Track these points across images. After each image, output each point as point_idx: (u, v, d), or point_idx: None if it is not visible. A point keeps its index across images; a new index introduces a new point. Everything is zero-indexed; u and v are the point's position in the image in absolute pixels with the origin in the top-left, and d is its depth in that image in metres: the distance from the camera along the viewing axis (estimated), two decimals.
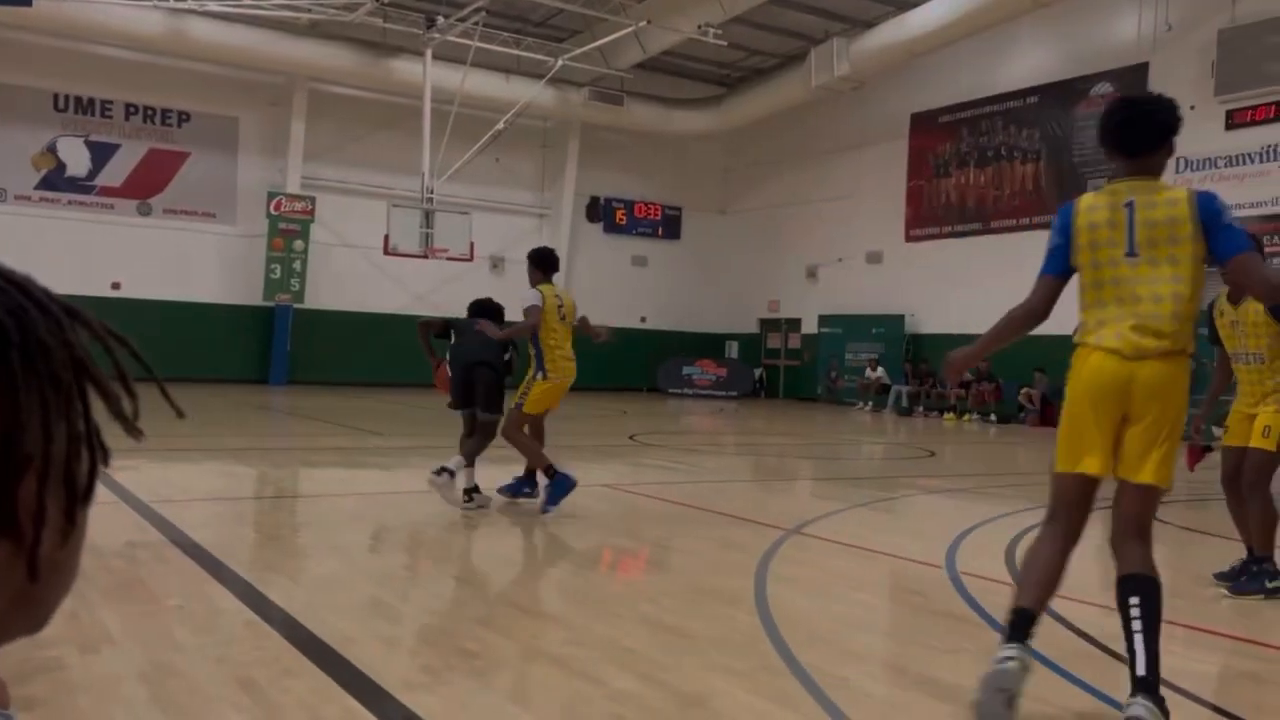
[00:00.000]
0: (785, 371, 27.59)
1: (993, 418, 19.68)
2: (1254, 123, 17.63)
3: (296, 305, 22.86)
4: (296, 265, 22.73)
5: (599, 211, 27.12)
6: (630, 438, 13.32)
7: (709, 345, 28.31)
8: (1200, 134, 18.38)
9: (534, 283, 6.98)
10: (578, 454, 11.31)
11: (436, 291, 24.88)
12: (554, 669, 3.44)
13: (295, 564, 5.13)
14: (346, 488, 8.02)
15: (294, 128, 22.76)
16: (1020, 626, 3.01)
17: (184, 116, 22.44)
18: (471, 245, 21.30)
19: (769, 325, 28.07)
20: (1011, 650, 2.95)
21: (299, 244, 22.69)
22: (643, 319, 27.69)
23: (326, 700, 3.04)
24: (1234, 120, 17.89)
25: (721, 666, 3.50)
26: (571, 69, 22.85)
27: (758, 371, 27.68)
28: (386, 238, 20.57)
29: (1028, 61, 21.48)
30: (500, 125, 21.38)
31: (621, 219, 27.46)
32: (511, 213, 25.95)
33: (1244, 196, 17.79)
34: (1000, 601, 4.64)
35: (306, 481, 8.49)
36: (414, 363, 26.43)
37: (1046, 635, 4.11)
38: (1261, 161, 17.53)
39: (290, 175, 22.84)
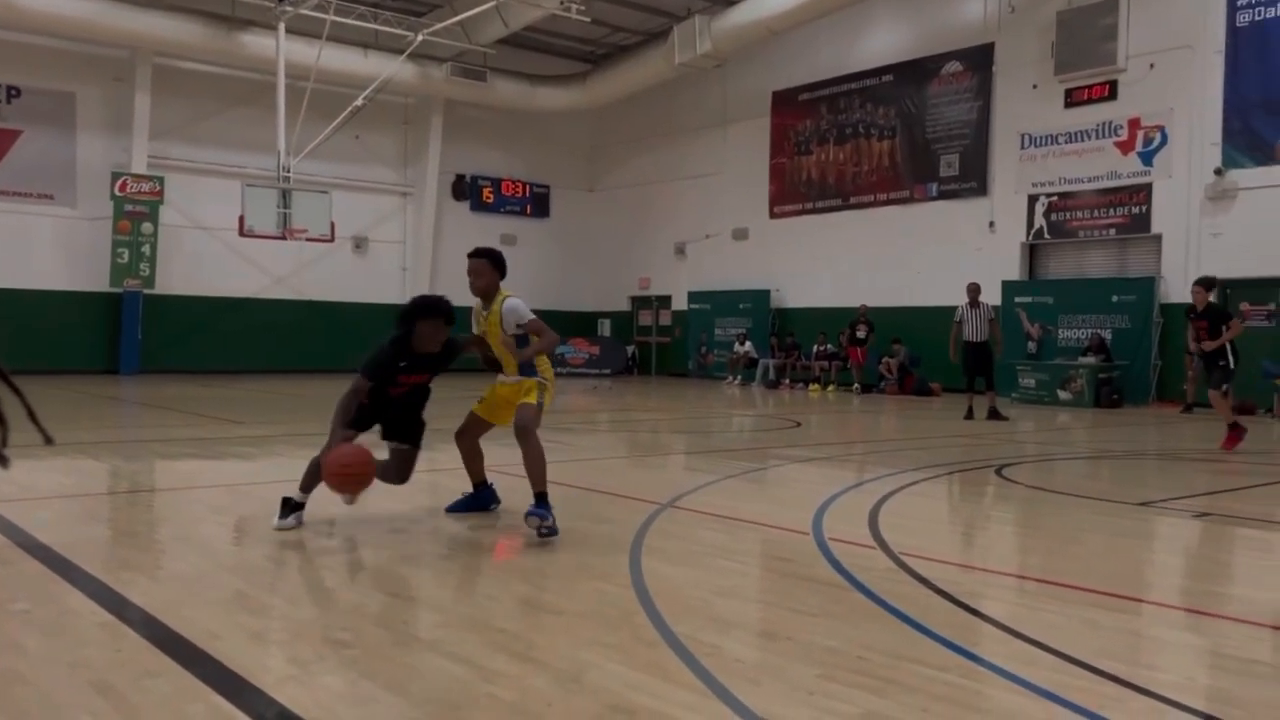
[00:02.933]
0: (657, 348, 27.86)
1: (855, 387, 20.33)
2: (1090, 101, 18.62)
3: (147, 291, 21.80)
4: (145, 249, 21.66)
5: (465, 189, 26.73)
6: None
7: (581, 324, 28.31)
8: (1042, 112, 19.35)
9: (495, 286, 6.12)
10: (447, 436, 11.17)
11: (297, 274, 24.14)
12: (428, 654, 3.41)
13: (153, 561, 4.93)
14: (206, 480, 7.73)
15: (138, 104, 21.61)
16: None
17: (14, 92, 21.03)
18: (332, 225, 20.73)
19: (640, 302, 28.27)
20: None
21: (147, 226, 21.61)
22: None
23: (191, 699, 2.94)
24: (1072, 98, 18.86)
25: (596, 642, 3.54)
26: (432, 44, 22.40)
27: (630, 349, 27.86)
28: (242, 219, 19.81)
29: (882, 41, 22.14)
30: (359, 102, 20.82)
31: (489, 197, 27.14)
32: (374, 191, 25.34)
33: (1082, 171, 18.83)
34: (863, 564, 4.84)
35: (163, 475, 8.14)
36: (274, 348, 25.72)
37: (908, 595, 4.30)
38: (1097, 138, 18.54)
39: (136, 154, 21.69)
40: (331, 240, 21.55)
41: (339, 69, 21.96)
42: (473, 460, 6.33)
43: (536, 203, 28.06)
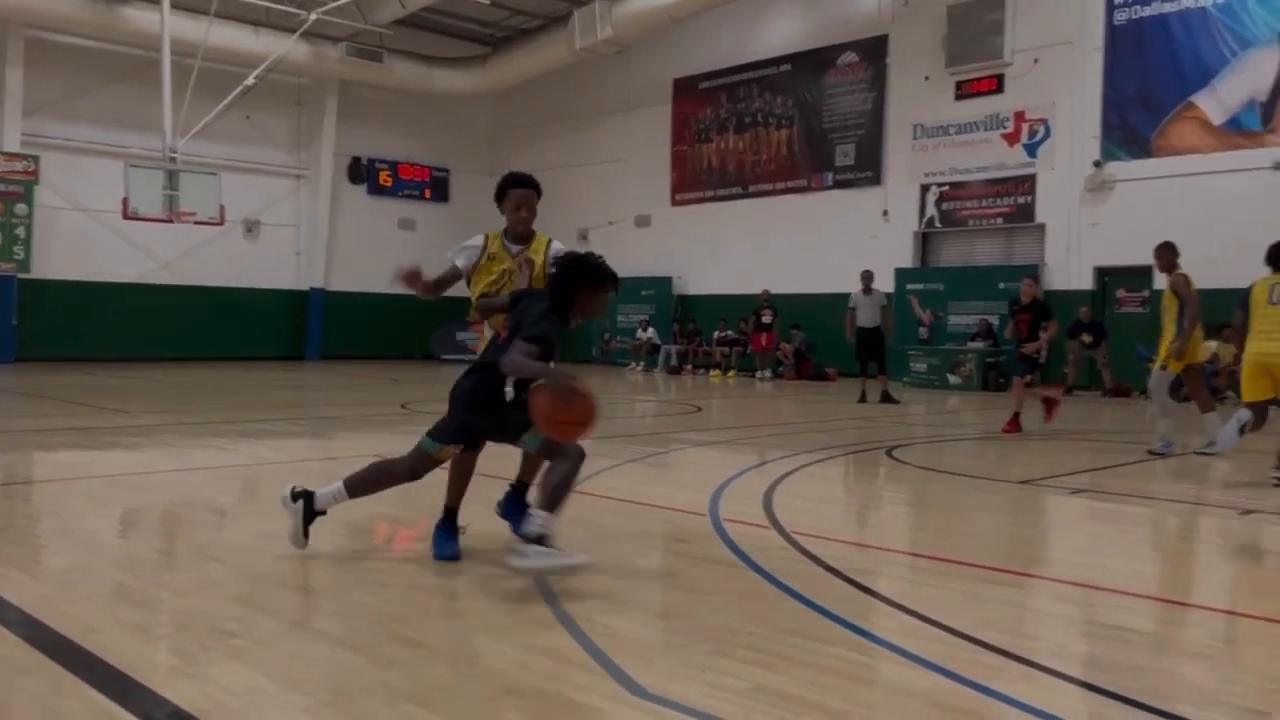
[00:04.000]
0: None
1: (760, 374, 20.62)
2: (979, 93, 19.20)
3: (21, 275, 20.79)
4: (20, 231, 20.63)
5: (362, 172, 26.17)
6: (402, 406, 13.04)
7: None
8: (934, 103, 19.88)
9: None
10: (345, 425, 10.99)
11: (185, 258, 23.32)
12: (320, 642, 3.36)
13: (30, 556, 4.72)
14: (89, 471, 7.42)
15: (9, 80, 20.55)
16: None
17: None
18: (222, 208, 20.01)
19: None
20: None
21: (21, 208, 20.59)
22: None
23: (66, 696, 2.83)
24: (962, 91, 19.42)
25: (492, 626, 3.53)
26: (326, 23, 21.81)
27: None
28: (125, 200, 18.99)
29: (780, 31, 22.42)
30: (250, 81, 20.14)
31: (386, 180, 26.62)
32: (266, 173, 24.61)
33: (971, 162, 19.42)
34: (757, 544, 4.93)
35: (42, 466, 7.79)
36: (162, 335, 24.78)
37: (801, 573, 4.40)
38: (985, 130, 19.14)
39: (8, 132, 20.63)
40: (221, 224, 20.80)
41: (228, 46, 21.23)
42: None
43: (436, 187, 27.65)
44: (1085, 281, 18.06)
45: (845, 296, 15.28)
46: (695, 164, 24.03)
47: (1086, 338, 16.96)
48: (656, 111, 24.60)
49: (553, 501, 4.07)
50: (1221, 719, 2.78)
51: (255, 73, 20.26)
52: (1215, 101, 16.55)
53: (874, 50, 20.73)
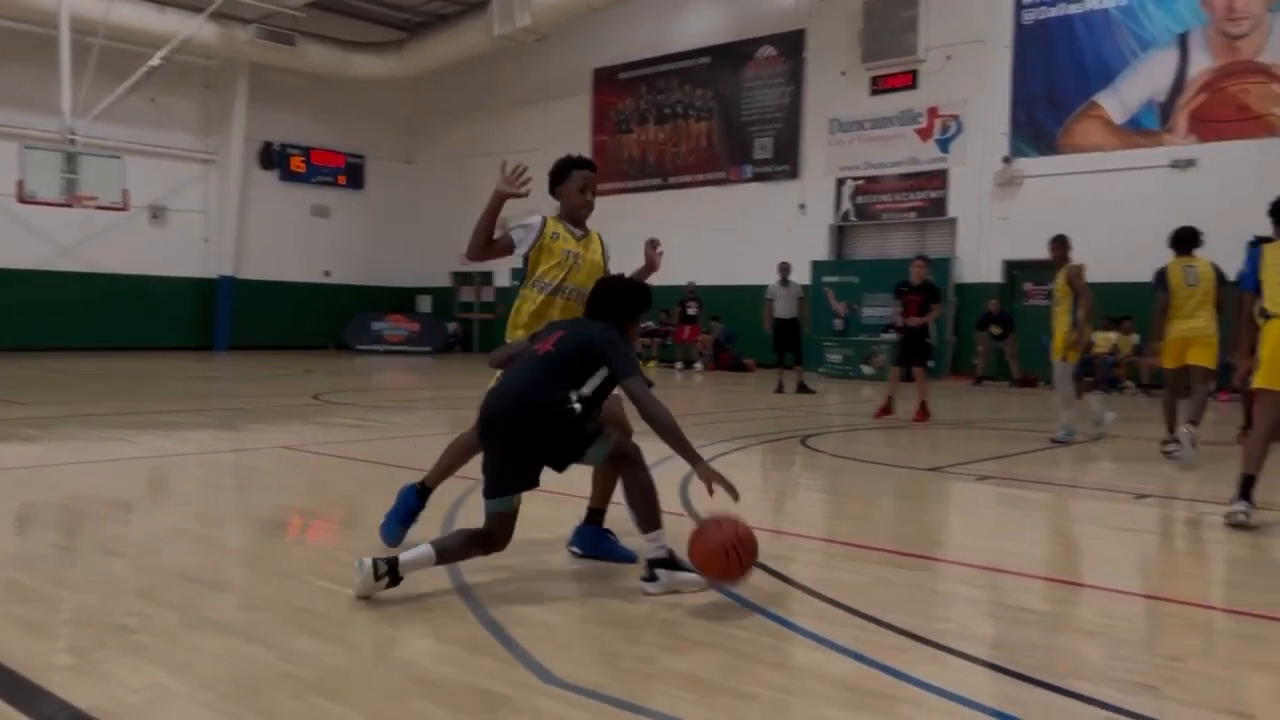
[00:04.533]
0: (480, 325, 27.53)
1: (679, 366, 20.71)
2: (893, 89, 19.56)
3: None
4: None
5: (274, 158, 25.55)
6: (314, 397, 12.79)
7: (399, 300, 27.67)
8: (850, 98, 20.18)
9: None
10: (254, 416, 10.73)
11: (86, 244, 22.50)
12: (223, 636, 3.27)
13: None
14: None
15: None
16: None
17: None
18: (125, 193, 19.36)
19: (462, 279, 27.85)
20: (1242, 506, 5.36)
21: None
22: (326, 273, 26.57)
23: None
24: (877, 86, 19.76)
25: (402, 616, 3.48)
26: (237, 4, 21.24)
27: (451, 326, 27.42)
28: (20, 183, 18.23)
29: (700, 23, 22.52)
30: (155, 61, 19.51)
31: (299, 167, 26.04)
32: (172, 158, 23.87)
33: (885, 156, 19.78)
34: (673, 532, 4.93)
35: None
36: (61, 324, 23.90)
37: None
38: (900, 125, 19.51)
39: None
40: (125, 209, 20.13)
41: (131, 25, 20.50)
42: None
43: (351, 174, 27.15)
44: (994, 274, 18.55)
45: (763, 288, 15.44)
46: (616, 154, 24.01)
47: (995, 329, 17.43)
48: (576, 101, 24.51)
49: (651, 518, 3.85)
50: (1113, 693, 2.89)
51: (160, 53, 19.64)
52: (1117, 101, 17.14)
53: (791, 44, 20.96)
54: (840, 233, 20.76)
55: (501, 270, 26.13)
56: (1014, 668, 3.10)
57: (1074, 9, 17.50)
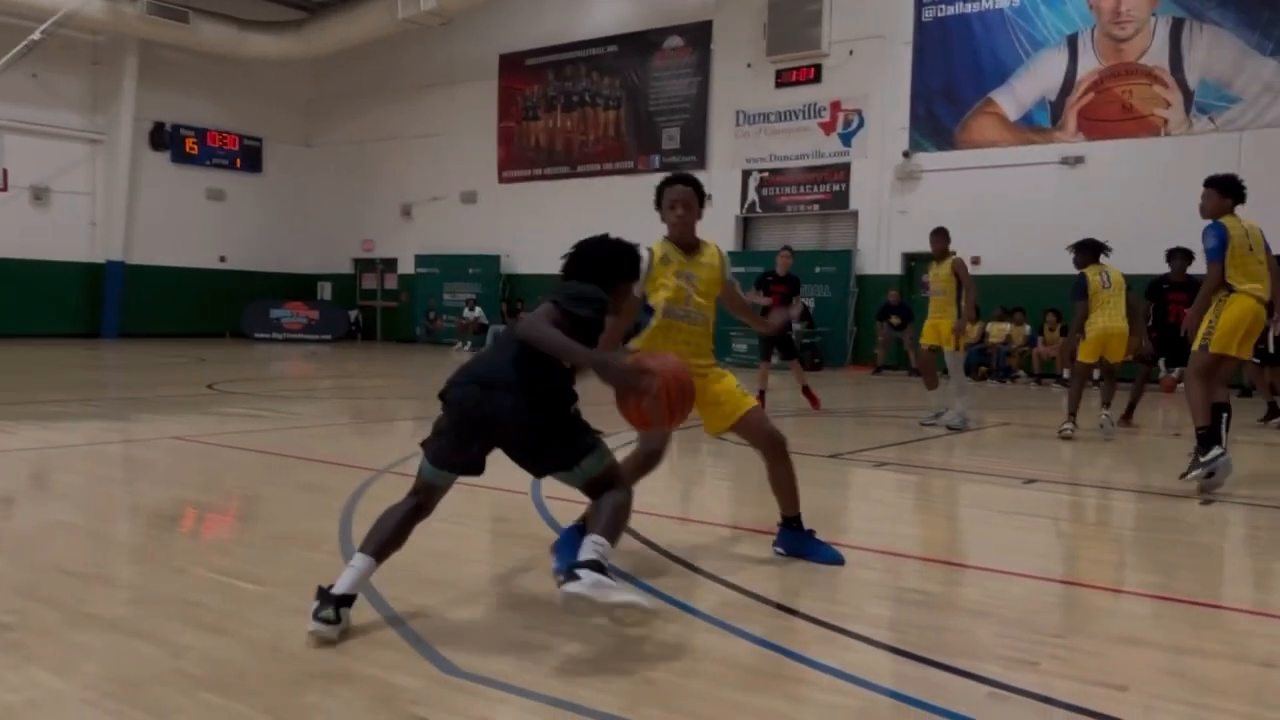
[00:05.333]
0: (382, 313, 27.07)
1: None
2: (798, 82, 19.83)
3: None
4: None
5: (165, 139, 24.64)
6: (209, 386, 12.41)
7: (299, 286, 27.01)
8: (755, 90, 20.39)
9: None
10: (145, 406, 10.36)
11: None
12: (108, 633, 3.16)
13: None
14: None
15: None
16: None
17: None
18: (4, 173, 18.45)
19: (364, 265, 27.32)
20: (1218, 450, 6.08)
21: None
22: (222, 258, 25.78)
23: None
24: (782, 79, 20.00)
25: (298, 609, 3.40)
26: None
27: (353, 313, 26.90)
28: None
29: (608, 11, 22.47)
30: (36, 36, 18.63)
31: (193, 148, 25.16)
32: (56, 137, 22.81)
33: (790, 149, 20.05)
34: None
35: None
36: None
37: (622, 548, 4.45)
38: (804, 118, 19.80)
39: None
40: (4, 189, 19.19)
41: None
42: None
43: (248, 156, 26.35)
44: (894, 266, 18.99)
45: None
46: (523, 141, 23.83)
47: (895, 320, 17.85)
48: (483, 86, 24.23)
49: (611, 529, 3.26)
50: (998, 669, 3.00)
51: (42, 27, 18.75)
52: (1011, 98, 17.69)
53: (699, 36, 21.07)
54: (746, 224, 20.99)
55: (406, 257, 25.73)
56: (906, 648, 3.19)
57: (971, 8, 17.99)
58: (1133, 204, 15.72)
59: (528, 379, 3.28)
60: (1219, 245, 6.37)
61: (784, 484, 4.37)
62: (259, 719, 2.54)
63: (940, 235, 9.86)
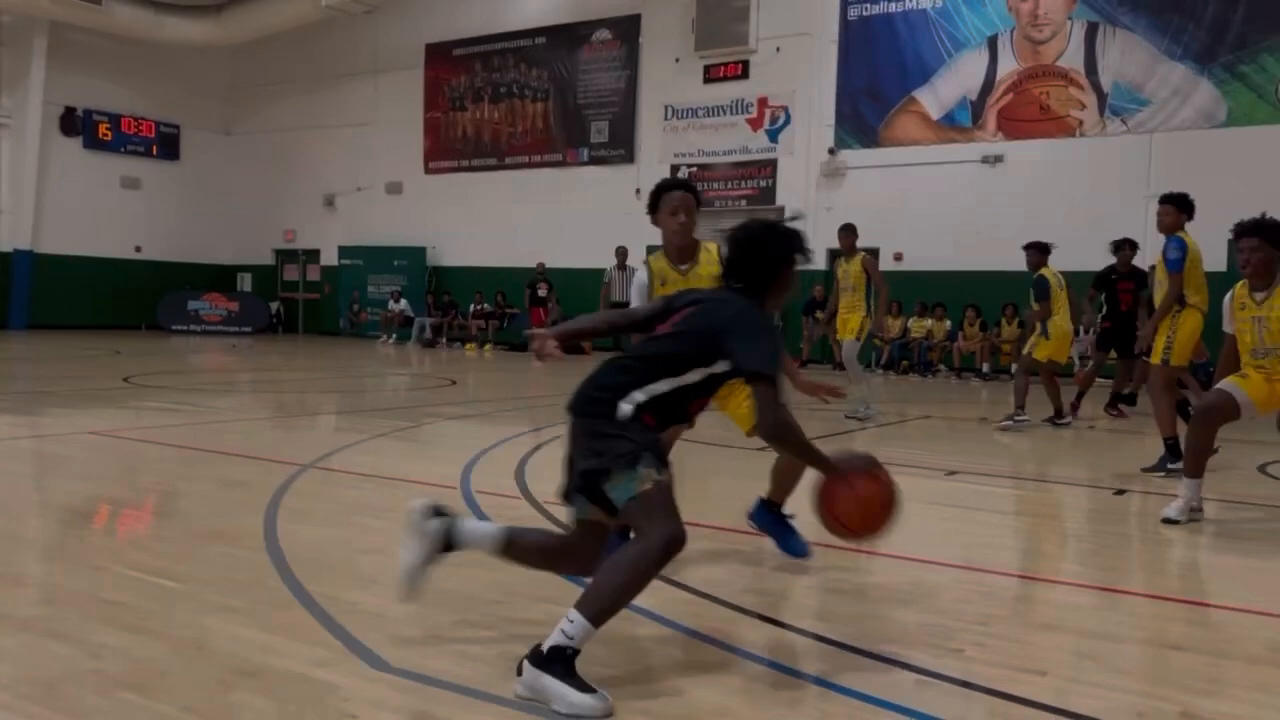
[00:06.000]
0: (305, 305, 26.54)
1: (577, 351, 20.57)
2: (726, 78, 19.94)
3: None
4: None
5: (77, 124, 23.77)
6: (125, 380, 12.05)
7: (218, 278, 26.35)
8: (684, 85, 20.46)
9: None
10: (57, 400, 10.02)
11: None
12: (20, 633, 3.05)
13: None
14: None
15: None
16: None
17: None
18: None
19: (285, 256, 26.75)
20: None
21: None
22: (138, 248, 25.01)
23: None
24: (710, 75, 20.09)
25: (221, 607, 3.34)
26: None
27: (274, 305, 26.32)
28: None
29: (536, 3, 22.32)
30: None
31: (106, 134, 24.32)
32: None
33: (718, 145, 20.17)
34: (509, 514, 4.93)
35: None
36: None
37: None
38: (731, 114, 19.93)
39: None
40: None
41: None
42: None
43: (164, 144, 25.59)
44: (820, 262, 19.22)
45: (601, 272, 15.53)
46: (449, 132, 23.56)
47: (820, 314, 18.09)
48: (408, 76, 23.88)
49: (600, 609, 2.67)
50: (925, 657, 3.07)
51: None
52: (933, 98, 18.03)
53: (627, 29, 21.06)
54: None
55: (329, 249, 25.27)
56: (834, 636, 3.24)
57: (895, 7, 18.28)
58: (1049, 202, 16.15)
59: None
60: (1181, 258, 6.85)
61: (786, 476, 4.29)
62: (182, 719, 2.48)
63: (848, 232, 10.11)
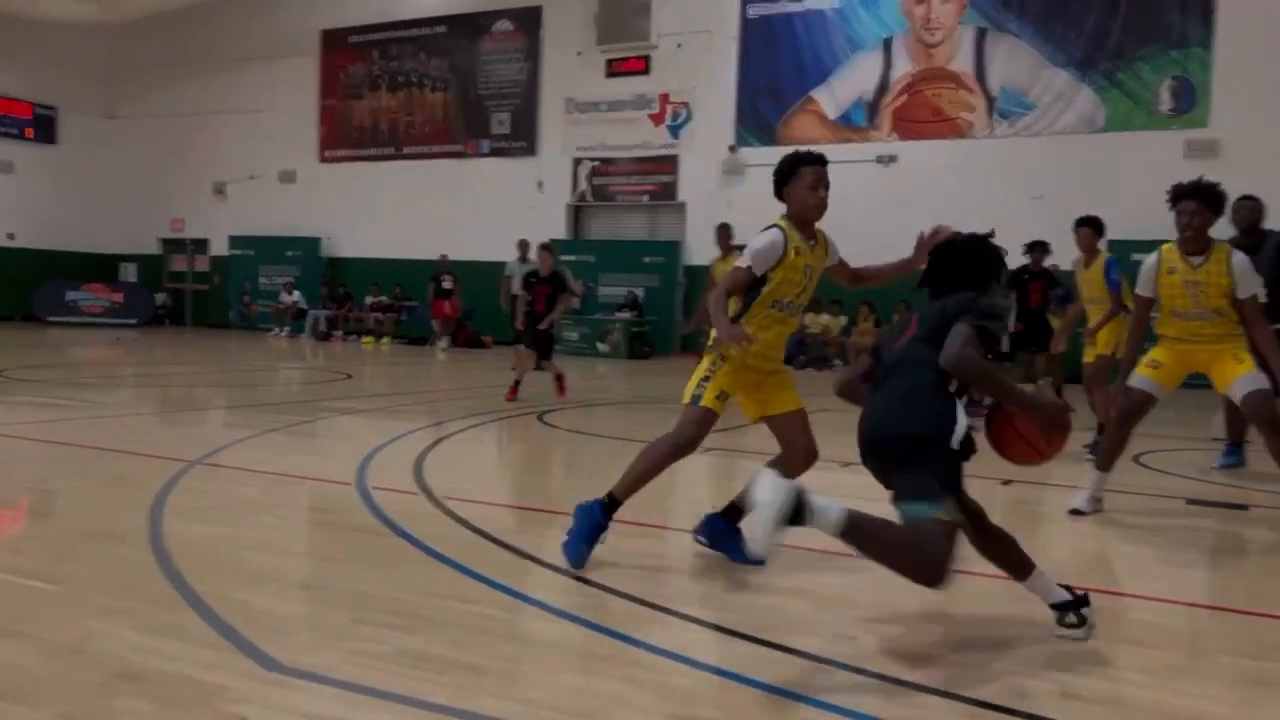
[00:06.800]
0: (193, 296, 25.64)
1: (440, 344, 20.23)
2: (628, 73, 19.97)
3: None
4: None
5: None
6: None
7: (100, 267, 25.26)
8: (586, 79, 20.43)
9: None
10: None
11: None
12: None
13: None
14: None
15: None
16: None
17: None
18: None
19: (172, 246, 25.79)
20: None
21: None
22: (11, 235, 23.83)
23: None
24: (613, 69, 20.10)
25: (103, 608, 3.20)
26: None
27: (160, 297, 25.37)
28: None
29: None
30: None
31: None
32: None
33: (620, 139, 20.20)
34: (405, 510, 4.85)
35: None
36: None
37: (448, 537, 4.39)
38: (633, 109, 19.98)
39: None
40: None
41: None
42: None
43: (40, 126, 24.41)
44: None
45: (502, 265, 15.40)
46: (346, 120, 23.05)
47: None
48: (303, 62, 23.27)
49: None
50: (819, 642, 3.13)
51: None
52: (831, 98, 18.39)
53: (528, 21, 20.92)
54: (578, 213, 21.01)
55: (219, 238, 24.46)
56: (732, 626, 3.28)
57: (794, 7, 18.57)
58: (941, 202, 16.59)
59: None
60: (1119, 279, 7.47)
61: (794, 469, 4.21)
62: None
63: (724, 231, 10.33)
